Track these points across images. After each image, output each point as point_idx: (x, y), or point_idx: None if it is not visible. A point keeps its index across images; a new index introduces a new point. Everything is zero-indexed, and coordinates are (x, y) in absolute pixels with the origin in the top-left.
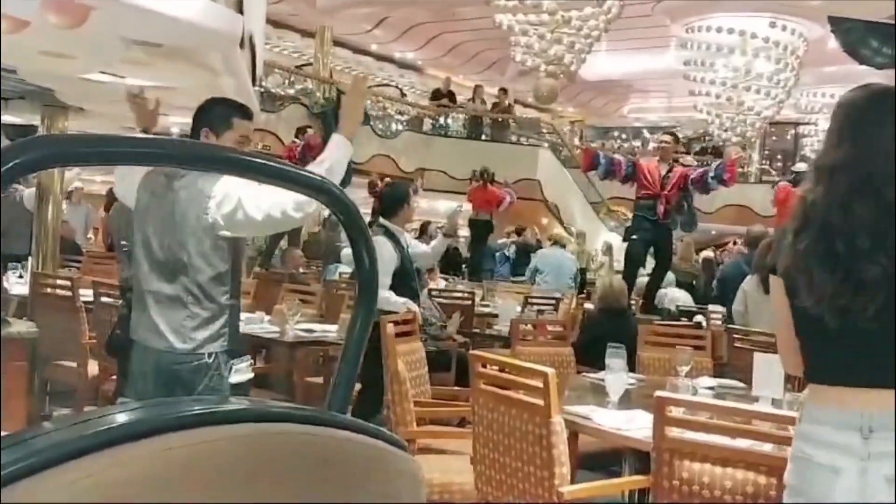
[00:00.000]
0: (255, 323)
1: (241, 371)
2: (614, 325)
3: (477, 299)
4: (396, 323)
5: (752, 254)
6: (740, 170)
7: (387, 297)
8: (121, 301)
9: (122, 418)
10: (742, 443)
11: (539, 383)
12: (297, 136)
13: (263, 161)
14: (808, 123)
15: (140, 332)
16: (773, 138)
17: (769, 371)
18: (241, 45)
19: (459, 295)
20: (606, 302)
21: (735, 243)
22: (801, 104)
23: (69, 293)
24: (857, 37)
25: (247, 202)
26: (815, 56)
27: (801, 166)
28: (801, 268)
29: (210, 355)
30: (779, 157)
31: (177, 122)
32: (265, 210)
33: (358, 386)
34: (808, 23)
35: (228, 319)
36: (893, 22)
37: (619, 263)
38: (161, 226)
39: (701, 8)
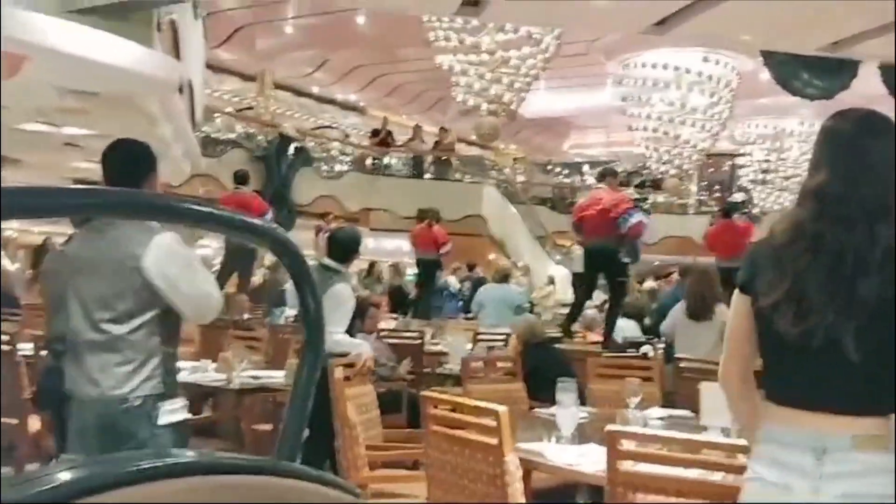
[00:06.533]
0: (200, 371)
1: (173, 412)
2: (541, 357)
3: (427, 338)
4: (347, 366)
5: (685, 282)
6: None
7: (340, 339)
8: (45, 352)
9: (64, 477)
10: (693, 472)
11: (492, 422)
12: (235, 183)
13: (209, 210)
14: (743, 154)
15: (76, 384)
16: (711, 170)
17: (717, 400)
18: (180, 90)
19: (409, 335)
20: (525, 339)
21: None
22: (735, 135)
23: (8, 347)
24: (788, 70)
25: (182, 267)
26: (747, 88)
27: (737, 196)
28: (793, 289)
29: (141, 399)
30: (716, 187)
31: None
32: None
33: (306, 432)
34: (739, 56)
35: (162, 363)
36: (823, 55)
37: (565, 294)
38: (95, 274)
39: (635, 45)
